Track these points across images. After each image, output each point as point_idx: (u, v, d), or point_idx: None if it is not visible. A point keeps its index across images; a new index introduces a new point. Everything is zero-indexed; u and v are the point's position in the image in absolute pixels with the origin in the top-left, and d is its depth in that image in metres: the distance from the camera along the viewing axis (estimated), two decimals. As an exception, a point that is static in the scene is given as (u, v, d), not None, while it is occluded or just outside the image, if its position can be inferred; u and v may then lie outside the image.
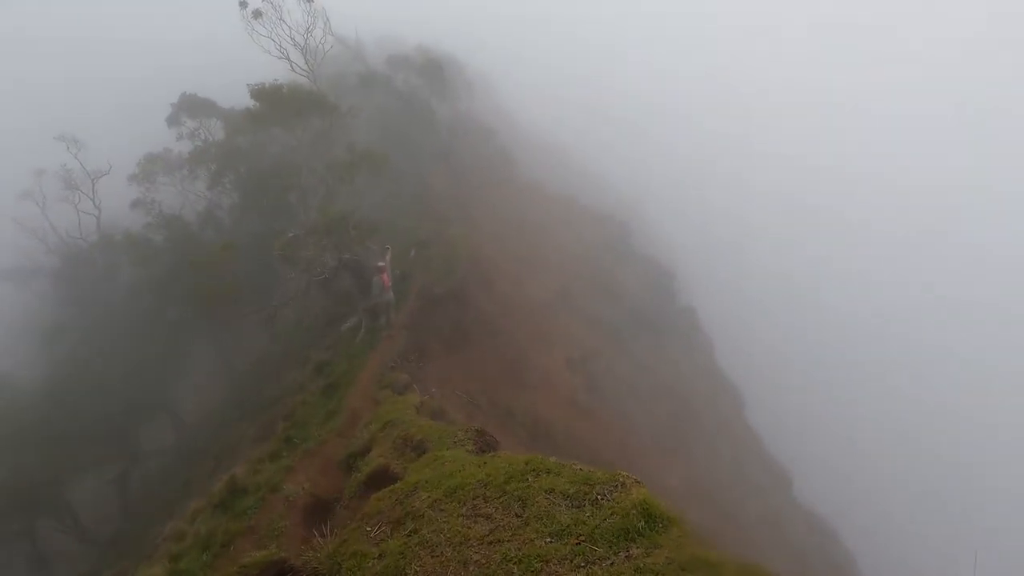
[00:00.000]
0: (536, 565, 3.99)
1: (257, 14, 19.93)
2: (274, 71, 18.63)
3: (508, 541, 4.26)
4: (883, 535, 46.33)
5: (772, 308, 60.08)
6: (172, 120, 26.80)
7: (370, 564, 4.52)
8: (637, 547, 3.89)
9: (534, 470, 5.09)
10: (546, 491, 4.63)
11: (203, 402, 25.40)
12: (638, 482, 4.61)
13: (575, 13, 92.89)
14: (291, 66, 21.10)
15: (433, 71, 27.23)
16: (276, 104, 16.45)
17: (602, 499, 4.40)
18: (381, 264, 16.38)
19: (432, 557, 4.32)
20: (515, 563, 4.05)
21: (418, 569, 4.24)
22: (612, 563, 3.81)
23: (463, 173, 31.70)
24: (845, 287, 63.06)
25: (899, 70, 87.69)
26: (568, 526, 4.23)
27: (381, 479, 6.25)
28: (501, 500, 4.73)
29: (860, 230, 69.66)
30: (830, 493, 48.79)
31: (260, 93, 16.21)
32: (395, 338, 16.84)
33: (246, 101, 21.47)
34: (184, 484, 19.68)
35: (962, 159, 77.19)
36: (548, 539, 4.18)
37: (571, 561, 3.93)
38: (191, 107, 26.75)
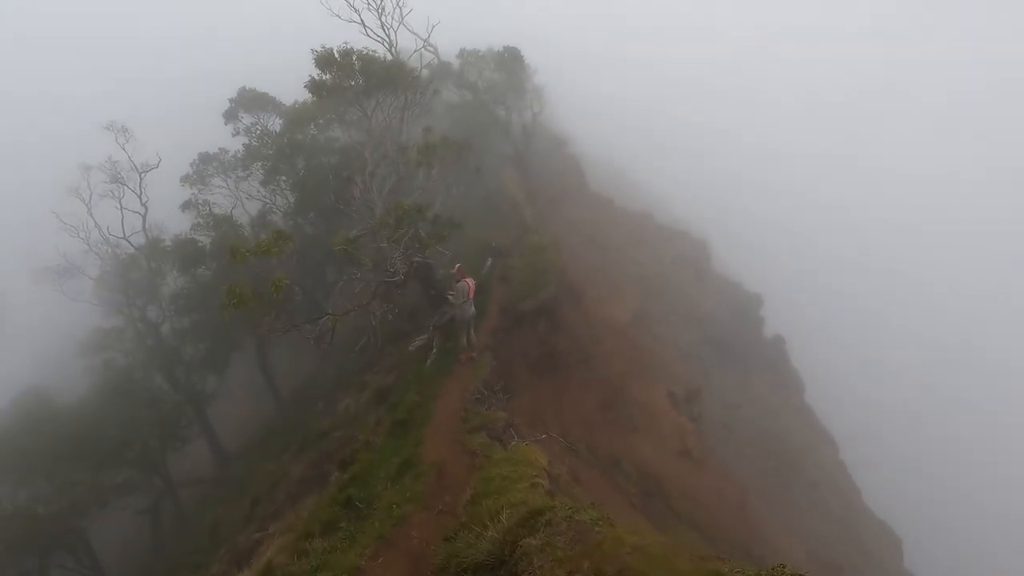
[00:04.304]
0: None
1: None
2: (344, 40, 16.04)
3: None
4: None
5: (861, 343, 53.59)
6: (229, 116, 24.84)
7: None
8: None
9: None
10: None
11: (244, 427, 22.53)
12: None
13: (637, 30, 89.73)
14: (365, 30, 18.51)
15: (512, 63, 24.22)
16: (345, 74, 13.60)
17: None
18: (460, 266, 12.94)
19: None
20: None
21: None
22: None
23: (536, 180, 28.44)
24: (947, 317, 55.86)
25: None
26: None
27: None
28: None
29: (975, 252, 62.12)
30: (946, 558, 41.65)
31: (327, 59, 13.41)
32: (478, 362, 13.25)
33: (305, 97, 18.99)
34: (213, 527, 16.52)
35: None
36: None
37: None
38: (249, 102, 24.75)
